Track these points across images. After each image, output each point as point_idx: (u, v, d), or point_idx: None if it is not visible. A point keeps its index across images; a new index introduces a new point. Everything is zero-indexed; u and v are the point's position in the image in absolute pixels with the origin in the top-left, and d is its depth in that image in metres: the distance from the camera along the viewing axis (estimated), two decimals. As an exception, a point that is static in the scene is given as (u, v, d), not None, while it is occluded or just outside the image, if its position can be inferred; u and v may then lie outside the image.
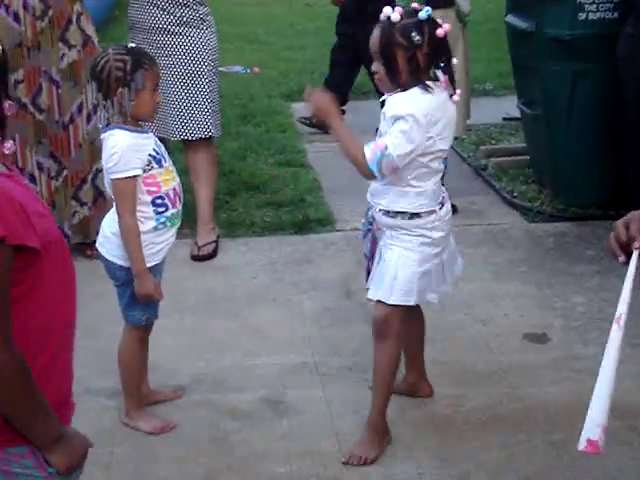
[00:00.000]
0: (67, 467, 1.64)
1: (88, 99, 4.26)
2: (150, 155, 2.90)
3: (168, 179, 2.95)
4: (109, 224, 3.01)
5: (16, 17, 4.08)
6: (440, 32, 2.73)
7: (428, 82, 2.76)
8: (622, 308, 1.74)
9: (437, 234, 2.90)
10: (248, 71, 8.27)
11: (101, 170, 4.21)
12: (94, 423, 3.03)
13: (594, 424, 1.72)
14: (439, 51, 2.77)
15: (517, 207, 5.02)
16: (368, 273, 3.02)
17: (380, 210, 2.90)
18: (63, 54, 4.17)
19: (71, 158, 4.30)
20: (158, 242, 2.97)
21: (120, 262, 2.97)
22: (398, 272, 2.86)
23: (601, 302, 3.91)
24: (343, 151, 2.85)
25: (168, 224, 2.97)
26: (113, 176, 2.88)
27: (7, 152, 1.61)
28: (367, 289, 2.99)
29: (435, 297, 3.02)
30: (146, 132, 2.98)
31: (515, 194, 5.16)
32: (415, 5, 2.81)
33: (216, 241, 4.53)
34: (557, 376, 3.40)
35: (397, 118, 2.72)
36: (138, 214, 2.90)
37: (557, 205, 4.96)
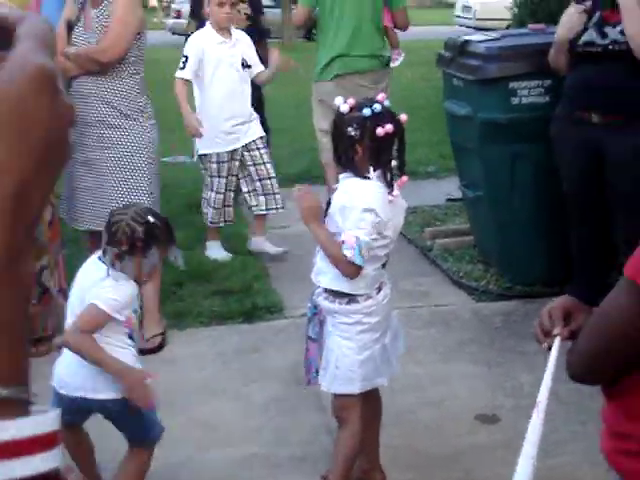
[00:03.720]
0: None
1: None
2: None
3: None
4: (73, 367, 2.88)
5: None
6: (379, 131, 2.77)
7: (368, 174, 2.82)
8: (543, 395, 1.73)
9: (374, 319, 2.93)
10: (193, 159, 8.29)
11: (45, 267, 4.20)
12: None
13: None
14: (378, 149, 2.81)
15: (464, 287, 5.06)
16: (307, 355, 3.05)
17: (322, 291, 2.93)
18: None
19: None
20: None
21: (113, 394, 2.88)
22: (338, 361, 2.90)
23: (550, 380, 3.92)
24: (325, 252, 2.86)
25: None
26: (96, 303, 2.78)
27: None
28: (314, 373, 3.01)
29: (385, 381, 3.03)
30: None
31: (461, 274, 5.20)
32: (380, 97, 2.86)
33: (163, 333, 4.47)
34: (509, 457, 3.36)
35: (359, 210, 2.77)
36: (116, 343, 2.87)
37: (503, 284, 5.01)
